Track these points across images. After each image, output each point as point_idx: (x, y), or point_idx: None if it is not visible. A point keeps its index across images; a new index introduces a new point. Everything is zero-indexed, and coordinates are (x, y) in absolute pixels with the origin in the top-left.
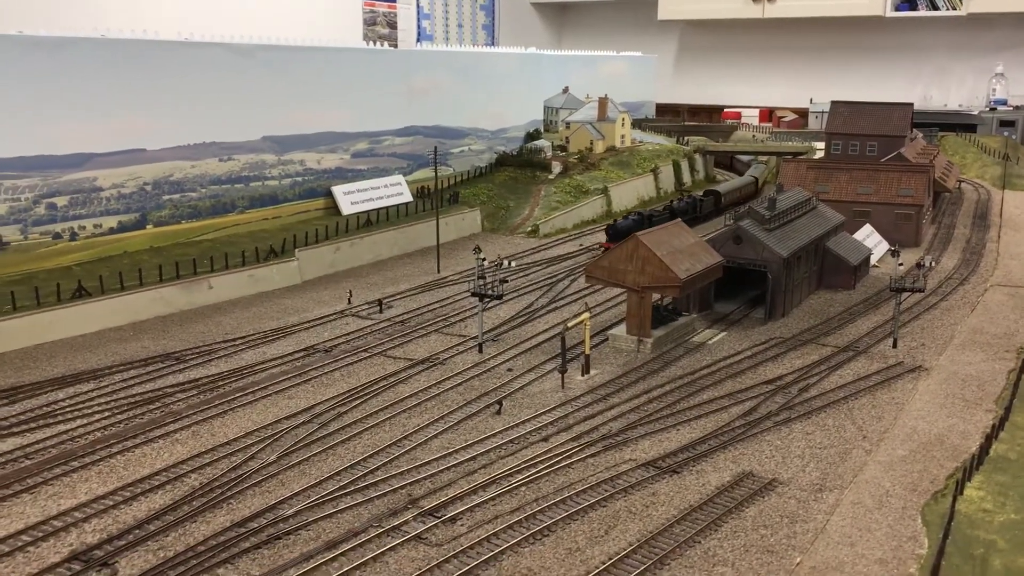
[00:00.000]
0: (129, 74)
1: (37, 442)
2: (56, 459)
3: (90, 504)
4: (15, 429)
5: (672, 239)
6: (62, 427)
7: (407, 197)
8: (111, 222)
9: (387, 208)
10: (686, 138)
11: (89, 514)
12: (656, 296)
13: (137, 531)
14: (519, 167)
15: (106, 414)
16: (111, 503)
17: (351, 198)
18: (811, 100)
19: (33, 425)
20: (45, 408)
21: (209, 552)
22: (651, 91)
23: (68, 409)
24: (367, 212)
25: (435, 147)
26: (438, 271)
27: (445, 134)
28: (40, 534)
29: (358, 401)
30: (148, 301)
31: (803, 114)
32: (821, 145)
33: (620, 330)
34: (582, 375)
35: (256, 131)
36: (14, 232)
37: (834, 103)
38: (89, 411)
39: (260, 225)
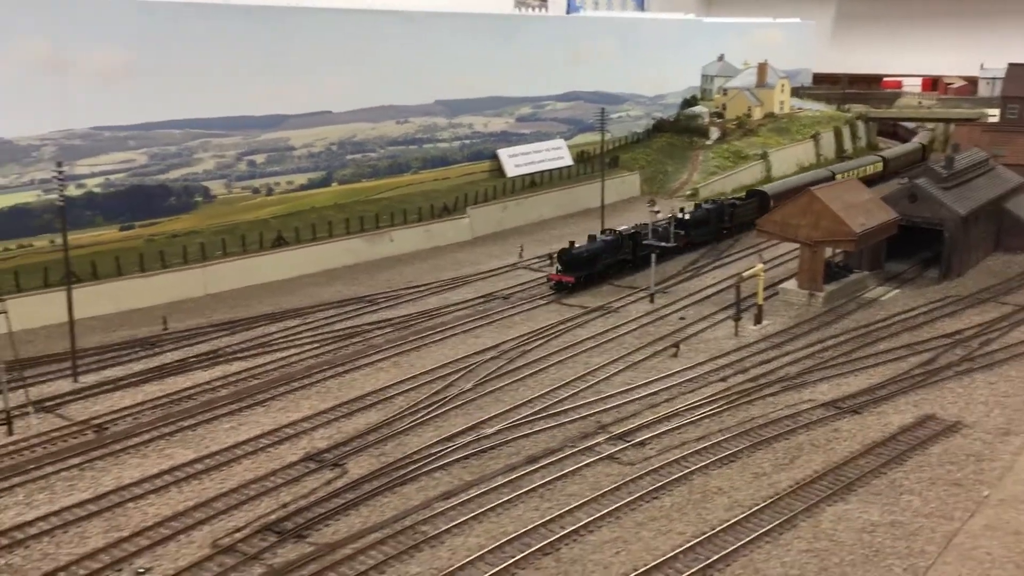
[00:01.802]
0: (317, 40)
1: (259, 366)
2: (279, 380)
3: (314, 417)
4: (239, 355)
5: (846, 194)
6: (279, 355)
7: (567, 161)
8: (301, 179)
9: (549, 171)
10: (847, 105)
11: (316, 424)
12: (827, 252)
13: (358, 440)
14: (676, 133)
15: (315, 345)
16: (332, 417)
17: (515, 161)
18: (982, 66)
19: (254, 352)
20: (261, 339)
21: (424, 459)
22: (808, 59)
23: (281, 340)
24: (530, 174)
25: (603, 109)
26: (602, 228)
27: (605, 100)
28: (276, 439)
29: (540, 341)
30: (337, 251)
31: (972, 81)
32: (993, 111)
33: (791, 284)
34: (755, 324)
35: (429, 95)
36: (220, 186)
37: (1011, 66)
38: (299, 343)
39: (431, 185)
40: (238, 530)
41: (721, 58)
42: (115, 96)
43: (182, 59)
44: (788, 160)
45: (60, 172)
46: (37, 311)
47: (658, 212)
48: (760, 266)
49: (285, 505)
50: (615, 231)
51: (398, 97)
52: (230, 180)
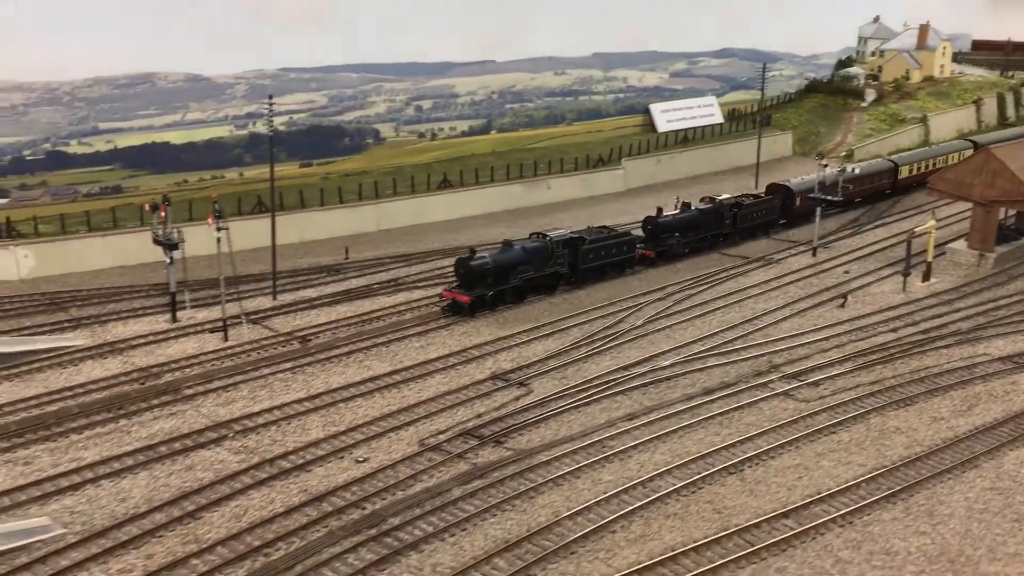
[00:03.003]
0: None
1: (438, 295)
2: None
3: (495, 342)
4: (419, 284)
5: None
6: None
7: (718, 118)
8: (463, 126)
9: (699, 128)
10: (1010, 72)
11: (499, 348)
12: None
13: (539, 364)
14: (830, 94)
15: None
16: (512, 343)
17: (667, 116)
18: None
19: (432, 282)
20: (436, 271)
21: (603, 384)
22: (968, 24)
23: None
24: (681, 130)
25: (764, 65)
26: (755, 187)
27: (759, 58)
28: (463, 359)
29: (705, 287)
30: (497, 195)
31: None
32: None
33: (959, 245)
34: (923, 281)
35: (587, 48)
36: (389, 129)
37: None
38: None
39: (584, 137)
40: (440, 433)
41: (877, 20)
42: (302, 41)
43: (361, 6)
44: (948, 125)
45: (270, 106)
46: (232, 237)
47: (827, 167)
48: (932, 223)
49: (480, 415)
50: (541, 235)
51: (558, 48)
52: (398, 124)
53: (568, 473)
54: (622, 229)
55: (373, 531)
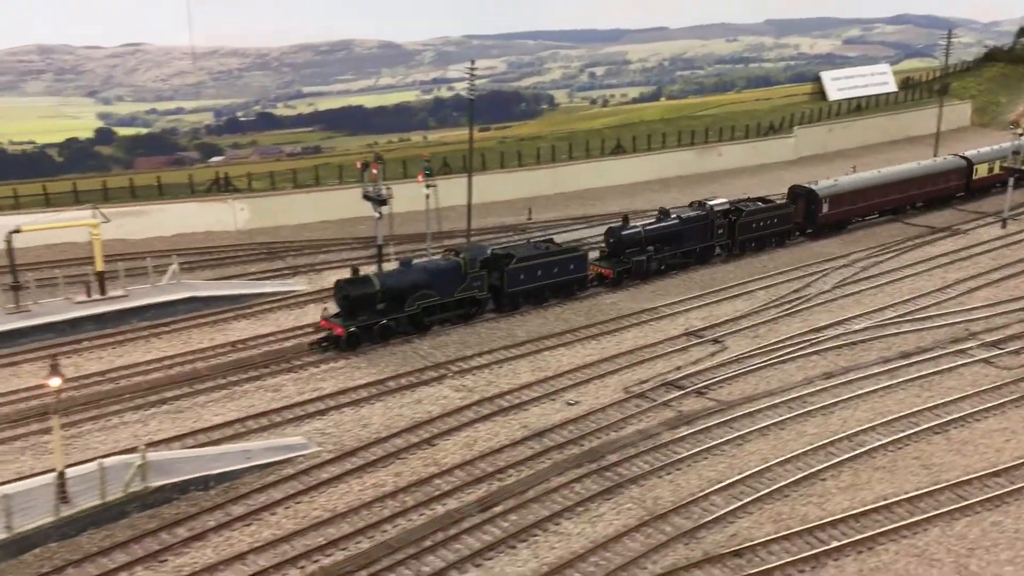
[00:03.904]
0: None
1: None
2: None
3: (686, 301)
4: (599, 246)
5: None
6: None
7: (891, 87)
8: (634, 92)
9: (871, 96)
10: None
11: (689, 307)
12: None
13: (731, 323)
14: (1010, 63)
15: None
16: (703, 302)
17: (838, 84)
18: None
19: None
20: None
21: (797, 344)
22: None
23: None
24: (853, 99)
25: (949, 31)
26: (935, 155)
27: (937, 24)
28: (657, 315)
29: (890, 255)
30: (668, 162)
31: None
32: None
33: None
34: None
35: (760, 14)
36: (562, 95)
37: None
38: None
39: (753, 105)
40: (643, 382)
41: None
42: (485, 7)
43: None
44: None
45: (472, 69)
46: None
47: (1022, 135)
48: None
49: (678, 368)
50: (454, 251)
51: (730, 15)
52: (572, 90)
53: (772, 425)
54: (573, 242)
55: (594, 465)
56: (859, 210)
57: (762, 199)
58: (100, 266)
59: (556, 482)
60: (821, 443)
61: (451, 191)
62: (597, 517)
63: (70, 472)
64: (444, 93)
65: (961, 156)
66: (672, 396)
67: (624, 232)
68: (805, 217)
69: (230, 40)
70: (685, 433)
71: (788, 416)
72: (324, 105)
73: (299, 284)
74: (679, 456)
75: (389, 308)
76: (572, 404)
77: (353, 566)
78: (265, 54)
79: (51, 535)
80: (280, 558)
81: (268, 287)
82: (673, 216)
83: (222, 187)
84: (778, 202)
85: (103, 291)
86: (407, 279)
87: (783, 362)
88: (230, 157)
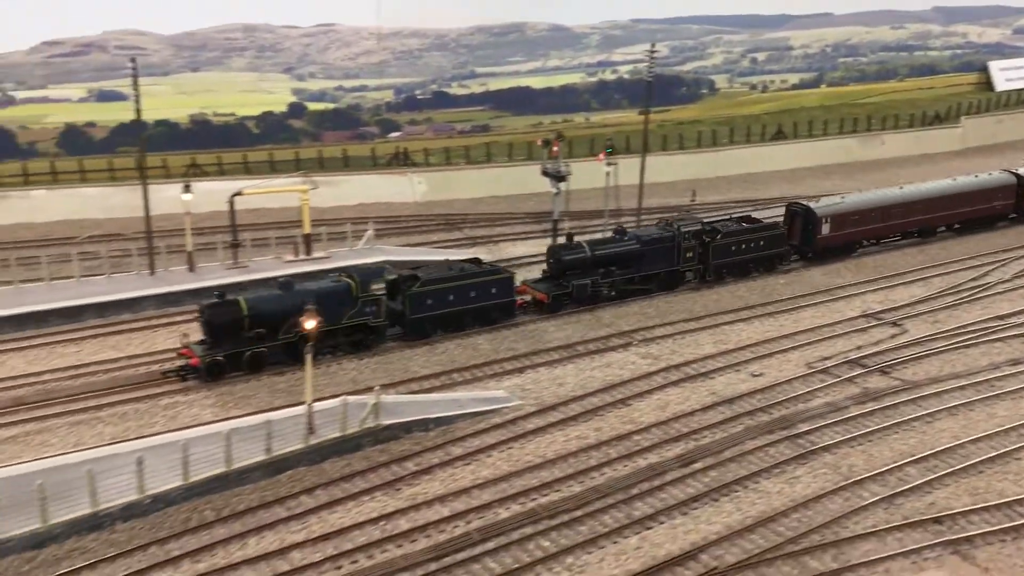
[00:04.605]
0: None
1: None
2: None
3: (861, 284)
4: None
5: None
6: None
7: None
8: (794, 79)
9: None
10: None
11: (865, 290)
12: None
13: (908, 308)
14: None
15: None
16: (879, 286)
17: (1006, 75)
18: None
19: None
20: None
21: (979, 331)
22: None
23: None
24: (1022, 90)
25: None
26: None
27: None
28: (831, 297)
29: None
30: (830, 149)
31: None
32: None
33: None
34: None
35: (927, 1)
36: (723, 80)
37: None
38: None
39: (915, 94)
40: (825, 359)
41: None
42: None
43: None
44: None
45: (652, 53)
46: (587, 173)
47: None
48: None
49: (859, 347)
50: (346, 272)
51: (897, 1)
52: (732, 75)
53: (960, 405)
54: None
55: (785, 432)
56: (869, 232)
57: (749, 218)
58: (307, 229)
59: (751, 445)
60: (1013, 424)
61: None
62: (794, 479)
63: (316, 406)
64: (608, 76)
65: (1012, 172)
66: (856, 373)
67: (566, 255)
68: (802, 239)
69: (413, 21)
70: (872, 408)
71: (976, 398)
72: (495, 85)
73: (480, 254)
74: (868, 429)
75: (260, 335)
76: (757, 375)
77: (569, 505)
78: (443, 35)
79: (301, 460)
80: (500, 494)
81: (452, 256)
82: (629, 236)
83: (401, 161)
84: (767, 222)
85: (309, 252)
86: (283, 303)
87: (967, 347)
88: (407, 133)
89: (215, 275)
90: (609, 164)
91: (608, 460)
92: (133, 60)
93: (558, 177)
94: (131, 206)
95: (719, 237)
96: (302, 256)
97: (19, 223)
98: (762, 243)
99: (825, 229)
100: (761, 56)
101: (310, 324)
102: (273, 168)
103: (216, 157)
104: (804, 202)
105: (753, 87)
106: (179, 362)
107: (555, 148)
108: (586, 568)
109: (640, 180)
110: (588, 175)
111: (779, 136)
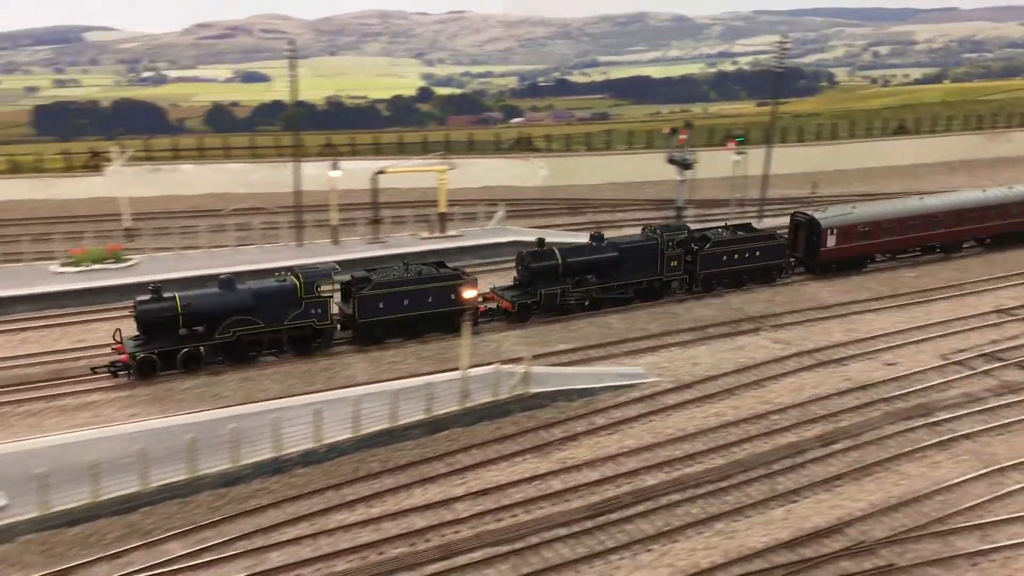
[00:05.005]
0: None
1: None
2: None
3: (992, 280)
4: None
5: None
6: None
7: None
8: (916, 73)
9: None
10: None
11: (998, 286)
12: None
13: None
14: None
15: None
16: (1013, 282)
17: None
18: None
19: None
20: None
21: None
22: None
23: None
24: None
25: None
26: None
27: None
28: (962, 292)
29: None
30: (953, 145)
31: None
32: None
33: None
34: None
35: None
36: (843, 74)
37: None
38: None
39: None
40: (960, 351)
41: None
42: None
43: None
44: None
45: (783, 45)
46: (708, 163)
47: None
48: None
49: (994, 341)
50: (290, 271)
51: None
52: (853, 69)
53: None
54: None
55: (922, 420)
56: (882, 245)
57: (748, 227)
58: (443, 208)
59: (889, 430)
60: None
61: (729, 163)
62: (935, 464)
63: (471, 372)
64: (728, 67)
65: None
66: (992, 366)
67: (535, 262)
68: (806, 252)
69: (540, 9)
70: (1012, 400)
71: None
72: (615, 74)
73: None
74: (1009, 420)
75: (196, 333)
76: (890, 364)
77: (713, 476)
78: (568, 24)
79: (456, 421)
80: (645, 463)
81: (580, 239)
82: (607, 243)
83: (523, 146)
84: (766, 232)
85: (443, 230)
86: (220, 301)
87: None
88: (528, 119)
89: (357, 249)
90: (739, 153)
91: (748, 437)
92: (292, 43)
93: (684, 165)
94: (270, 182)
95: (708, 246)
96: (436, 234)
97: (170, 195)
98: (758, 253)
99: (830, 241)
100: (883, 50)
101: (469, 294)
102: (402, 150)
103: (349, 138)
104: (809, 212)
105: (873, 81)
106: (112, 357)
107: (683, 136)
108: (735, 534)
109: (765, 171)
110: (710, 164)
111: (900, 131)
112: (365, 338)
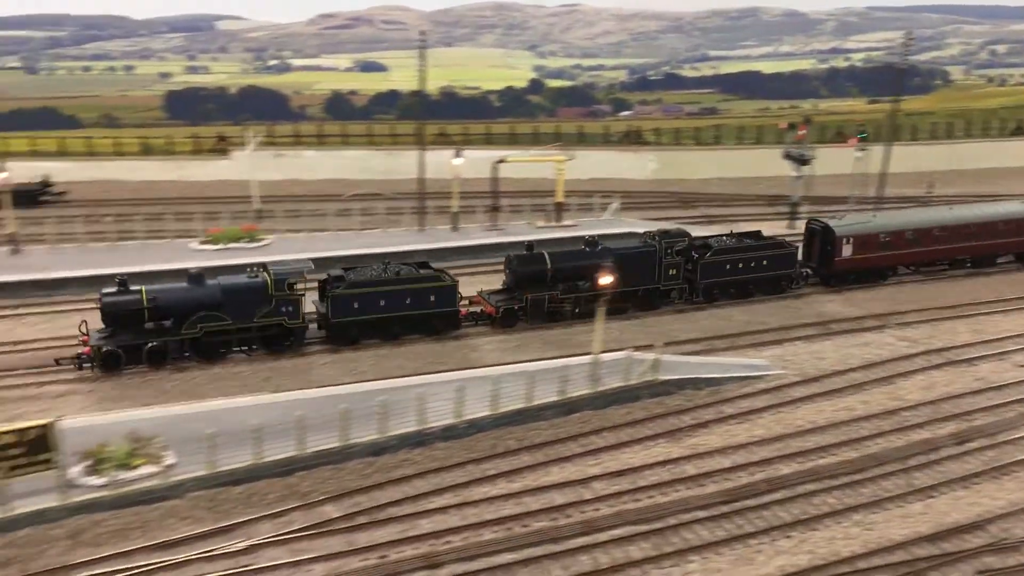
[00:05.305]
0: None
1: None
2: None
3: None
4: None
5: None
6: None
7: None
8: None
9: None
10: None
11: None
12: None
13: None
14: None
15: None
16: None
17: None
18: None
19: None
20: None
21: None
22: None
23: None
24: None
25: None
26: None
27: None
28: None
29: None
30: None
31: None
32: None
33: None
34: None
35: None
36: (958, 72)
37: None
38: None
39: None
40: None
41: None
42: None
43: None
44: None
45: (908, 42)
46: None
47: None
48: None
49: None
50: (262, 267)
51: None
52: (969, 67)
53: None
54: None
55: None
56: (904, 257)
57: (756, 234)
58: (560, 198)
59: None
60: None
61: (847, 161)
62: None
63: (603, 357)
64: (840, 63)
65: None
66: None
67: (522, 266)
68: (820, 261)
69: (652, 3)
70: None
71: None
72: (725, 69)
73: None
74: None
75: (162, 328)
76: (1022, 366)
77: (848, 469)
78: (680, 18)
79: (587, 404)
80: (778, 453)
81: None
82: (601, 248)
83: (633, 139)
84: (775, 240)
85: (559, 219)
86: (188, 296)
87: None
88: (637, 112)
89: (475, 235)
90: (860, 150)
91: (880, 432)
92: (423, 33)
93: (801, 161)
94: (385, 169)
95: (709, 254)
96: (552, 223)
97: (292, 179)
98: (765, 262)
99: (846, 251)
100: (1002, 48)
101: (606, 280)
102: (513, 140)
103: (462, 128)
104: (824, 219)
105: (990, 80)
106: (79, 349)
107: (801, 132)
108: (874, 526)
109: (882, 169)
110: (823, 161)
111: (1019, 132)
112: (338, 338)
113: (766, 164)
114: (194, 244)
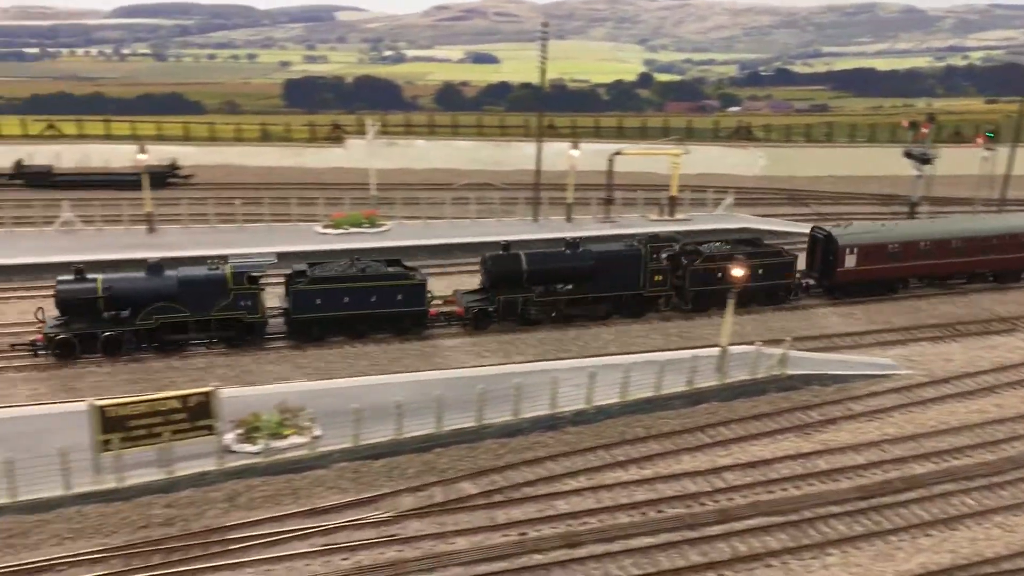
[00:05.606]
0: None
1: None
2: None
3: None
4: None
5: None
6: None
7: None
8: None
9: None
10: None
11: None
12: None
13: None
14: None
15: None
16: None
17: None
18: None
19: None
20: None
21: None
22: None
23: None
24: None
25: None
26: None
27: None
28: None
29: None
30: None
31: None
32: None
33: None
34: None
35: None
36: None
37: None
38: None
39: None
40: None
41: None
42: None
43: None
44: None
45: None
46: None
47: None
48: None
49: None
50: (222, 260)
51: None
52: None
53: None
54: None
55: None
56: (915, 269)
57: (754, 242)
58: (674, 191)
59: None
60: None
61: (969, 161)
62: None
63: (731, 350)
64: (958, 61)
65: None
66: None
67: (496, 266)
68: (822, 271)
69: None
70: None
71: None
72: (839, 65)
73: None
74: None
75: (118, 317)
76: None
77: (985, 471)
78: (794, 13)
79: (714, 395)
80: (911, 452)
81: (801, 228)
82: (583, 251)
83: (742, 135)
84: (773, 248)
85: (672, 213)
86: (144, 286)
87: None
88: (746, 108)
89: (588, 227)
90: (988, 149)
91: (1016, 436)
92: (545, 25)
93: (923, 160)
94: (494, 159)
95: (699, 260)
96: (665, 216)
97: (403, 168)
98: (761, 271)
99: (850, 261)
100: None
101: (738, 272)
102: (621, 134)
103: (571, 120)
104: (827, 227)
105: None
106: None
107: (924, 130)
108: (1017, 528)
109: (1007, 170)
110: (944, 160)
111: None
112: (299, 334)
113: (879, 162)
114: (318, 228)
